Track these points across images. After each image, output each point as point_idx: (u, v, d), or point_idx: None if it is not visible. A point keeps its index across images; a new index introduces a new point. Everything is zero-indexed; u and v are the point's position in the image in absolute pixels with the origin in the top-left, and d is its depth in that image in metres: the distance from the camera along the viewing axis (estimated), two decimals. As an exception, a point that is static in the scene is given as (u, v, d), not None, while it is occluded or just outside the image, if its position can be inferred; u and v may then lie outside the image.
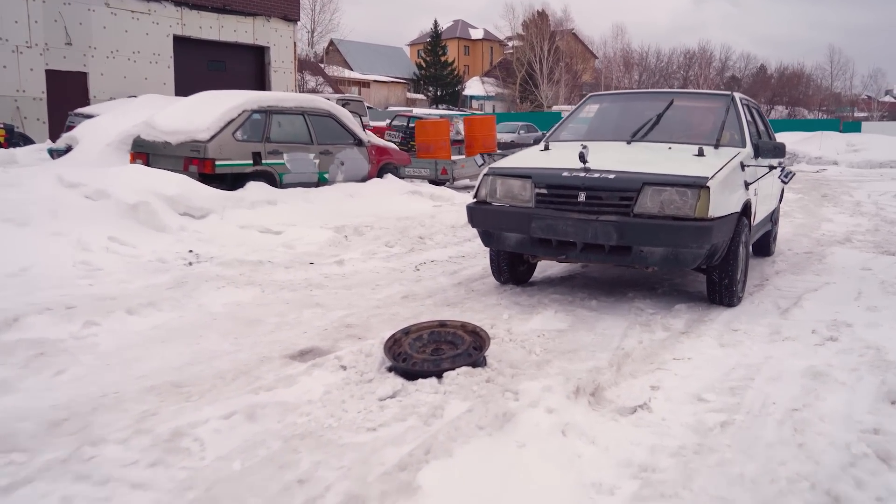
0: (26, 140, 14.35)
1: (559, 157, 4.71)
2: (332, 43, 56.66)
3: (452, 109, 50.72)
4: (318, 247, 6.34)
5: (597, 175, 4.23)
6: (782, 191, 6.47)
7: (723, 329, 3.95)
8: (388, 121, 23.03)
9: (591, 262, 4.68)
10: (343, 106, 23.48)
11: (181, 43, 19.58)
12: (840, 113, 49.58)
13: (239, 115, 8.27)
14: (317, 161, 9.08)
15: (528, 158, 4.95)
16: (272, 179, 8.52)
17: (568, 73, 53.35)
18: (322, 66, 48.51)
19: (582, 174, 4.28)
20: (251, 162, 8.30)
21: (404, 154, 10.85)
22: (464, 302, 4.58)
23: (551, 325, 3.93)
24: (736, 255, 4.39)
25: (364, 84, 55.26)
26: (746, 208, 4.63)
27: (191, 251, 5.93)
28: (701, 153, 4.50)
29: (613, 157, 4.63)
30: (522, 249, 4.57)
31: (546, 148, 5.10)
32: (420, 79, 58.73)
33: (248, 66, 21.58)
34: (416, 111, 33.66)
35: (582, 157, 4.27)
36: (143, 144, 8.59)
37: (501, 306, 4.41)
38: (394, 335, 3.25)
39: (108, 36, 18.07)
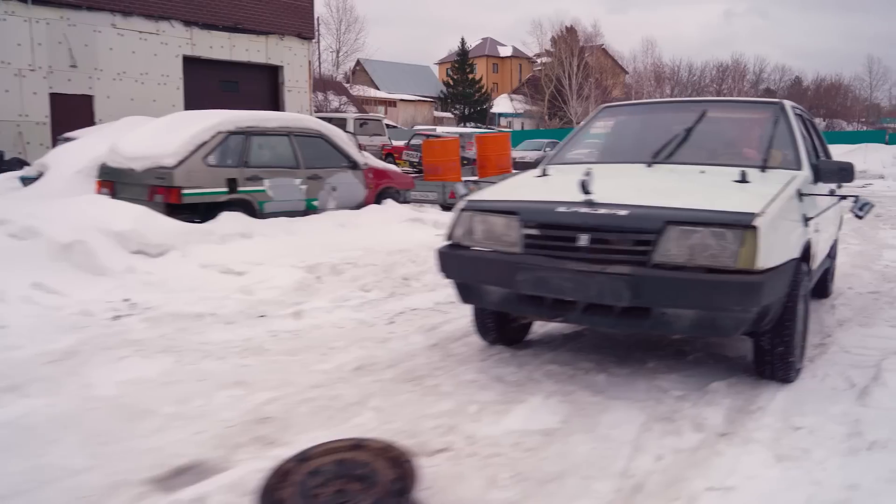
0: (23, 165, 13.72)
1: (558, 185, 3.66)
2: (358, 62, 56.37)
3: (480, 127, 49.86)
4: (280, 292, 5.33)
5: (603, 210, 3.16)
6: (841, 217, 5.30)
7: (780, 427, 2.82)
8: (404, 140, 22.11)
9: (597, 327, 3.60)
10: (361, 125, 23.04)
11: (191, 63, 18.93)
12: (882, 124, 47.55)
13: (212, 137, 7.37)
14: (304, 187, 8.13)
15: (517, 188, 3.89)
16: (251, 209, 7.59)
17: (598, 89, 52.17)
18: (348, 85, 48.08)
19: (583, 209, 3.21)
20: (225, 190, 7.37)
21: (407, 177, 9.85)
22: (432, 376, 3.52)
23: (537, 421, 2.84)
24: (793, 314, 3.27)
25: (390, 103, 54.73)
26: (806, 251, 3.52)
27: (126, 300, 4.96)
28: (744, 179, 3.41)
29: (627, 186, 3.56)
30: (508, 308, 3.51)
31: (544, 173, 4.04)
32: (447, 97, 57.98)
33: (262, 86, 20.88)
34: (440, 130, 32.82)
35: (584, 187, 3.21)
36: (109, 172, 7.73)
37: (477, 385, 3.34)
38: (283, 465, 2.19)
39: (114, 57, 17.46)
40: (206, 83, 19.29)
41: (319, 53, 45.26)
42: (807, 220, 3.41)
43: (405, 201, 9.56)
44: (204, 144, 7.28)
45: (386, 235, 7.86)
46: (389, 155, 21.44)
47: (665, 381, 3.35)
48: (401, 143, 23.97)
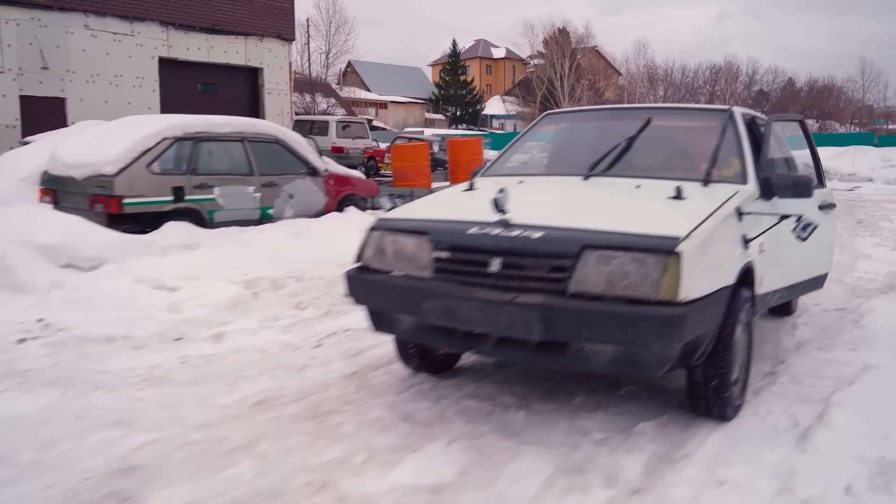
0: (-12, 170, 13.35)
1: (477, 202, 3.33)
2: (349, 64, 56.00)
3: (472, 129, 49.56)
4: (209, 310, 5.00)
5: (517, 232, 2.84)
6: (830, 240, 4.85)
7: (703, 480, 2.50)
8: (387, 144, 21.77)
9: (511, 361, 3.29)
10: (344, 128, 22.69)
11: (168, 65, 18.56)
12: (874, 125, 47.41)
13: (157, 143, 7.03)
14: (258, 195, 7.80)
15: (434, 204, 3.57)
16: (200, 218, 7.26)
17: (590, 90, 51.93)
18: (339, 87, 47.70)
19: (496, 230, 2.89)
20: (171, 199, 7.04)
21: (371, 184, 9.53)
22: (338, 412, 3.20)
23: (430, 474, 2.52)
24: (729, 346, 2.95)
25: (381, 105, 54.45)
26: (747, 275, 3.20)
27: (40, 320, 4.63)
28: (679, 195, 3.09)
29: (551, 203, 3.26)
30: (419, 339, 3.20)
31: (471, 187, 3.71)
32: (439, 99, 57.72)
33: (242, 88, 20.53)
34: (428, 132, 32.47)
35: (497, 205, 2.89)
36: (50, 179, 7.38)
37: (380, 425, 3.01)
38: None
39: (87, 59, 17.09)
40: (184, 85, 18.94)
41: (309, 55, 44.92)
42: (747, 241, 3.08)
43: (372, 208, 9.23)
44: (148, 151, 6.94)
45: (343, 245, 7.44)
46: (372, 158, 21.11)
47: (589, 420, 3.03)
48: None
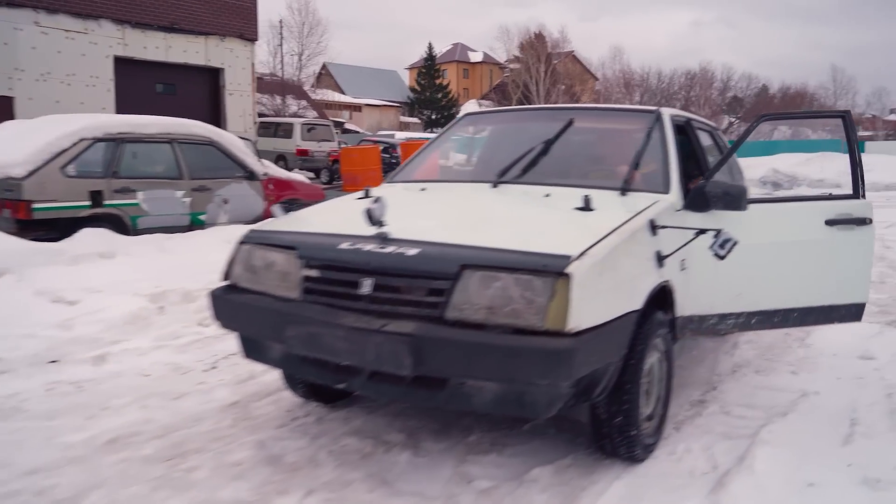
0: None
1: (359, 211, 2.93)
2: (324, 66, 55.43)
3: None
4: (104, 327, 4.55)
5: (390, 249, 2.45)
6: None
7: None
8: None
9: (386, 399, 2.90)
10: (309, 131, 22.22)
11: (124, 64, 17.98)
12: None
13: (73, 144, 6.55)
14: (188, 200, 7.34)
15: (314, 215, 3.17)
16: (121, 224, 6.79)
17: (566, 95, 51.85)
18: (313, 89, 47.12)
19: (368, 246, 2.50)
20: (88, 203, 6.56)
21: (315, 188, 9.11)
22: (200, 452, 2.79)
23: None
24: (636, 379, 2.58)
25: (355, 108, 53.95)
26: (664, 297, 2.83)
27: None
28: (587, 206, 2.72)
29: (440, 214, 2.89)
30: (290, 369, 2.80)
31: (366, 195, 3.32)
32: (414, 102, 57.35)
33: (202, 89, 19.98)
34: (399, 135, 32.05)
35: (371, 216, 2.50)
36: (-40, 182, 6.87)
37: (237, 471, 2.61)
38: None
39: (37, 57, 16.48)
40: (141, 85, 18.37)
41: (282, 57, 44.30)
42: (662, 258, 2.72)
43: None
44: (63, 152, 6.47)
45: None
46: (337, 161, 20.62)
47: (477, 465, 2.64)
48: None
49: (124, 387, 3.58)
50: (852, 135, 3.52)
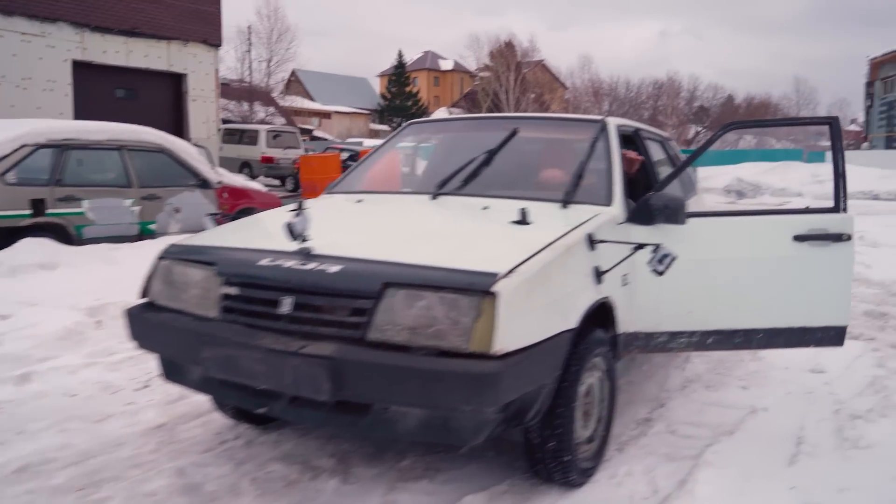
0: None
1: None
2: (294, 73, 55.03)
3: (416, 140, 49.05)
4: (34, 343, 4.33)
5: (311, 265, 2.31)
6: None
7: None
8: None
9: (308, 425, 2.75)
10: (275, 138, 21.98)
11: (82, 69, 17.58)
12: (808, 142, 48.69)
13: (14, 150, 6.30)
14: (136, 208, 7.12)
15: (239, 228, 3.02)
16: (65, 234, 6.55)
17: (536, 103, 52.08)
18: (282, 95, 46.71)
19: (289, 262, 2.36)
20: (29, 212, 6.31)
21: (272, 197, 8.91)
22: (115, 480, 2.63)
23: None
24: (570, 401, 2.47)
25: (325, 115, 53.68)
26: (604, 313, 2.73)
27: None
28: (523, 219, 2.61)
29: (369, 228, 2.75)
30: (211, 392, 2.64)
31: (299, 207, 3.17)
32: (384, 109, 57.21)
33: (164, 95, 19.63)
34: (367, 143, 31.86)
35: (293, 231, 2.36)
36: None
37: (151, 503, 2.44)
38: None
39: (-9, 61, 16.06)
40: (101, 90, 17.99)
41: (250, 63, 43.86)
42: (601, 273, 2.61)
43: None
44: (3, 159, 6.22)
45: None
46: (301, 169, 20.41)
47: (408, 491, 2.51)
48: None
49: (46, 408, 3.39)
50: (838, 143, 3.20)
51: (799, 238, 3.05)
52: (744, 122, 3.52)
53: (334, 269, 2.27)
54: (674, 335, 3.09)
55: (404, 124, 4.14)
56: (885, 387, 3.73)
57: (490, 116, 4.14)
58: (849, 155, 30.99)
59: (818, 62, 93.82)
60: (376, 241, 2.53)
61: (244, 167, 21.76)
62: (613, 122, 3.45)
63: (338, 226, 2.81)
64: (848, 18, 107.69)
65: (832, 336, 3.14)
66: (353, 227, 2.78)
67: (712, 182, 23.74)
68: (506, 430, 2.34)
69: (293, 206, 3.17)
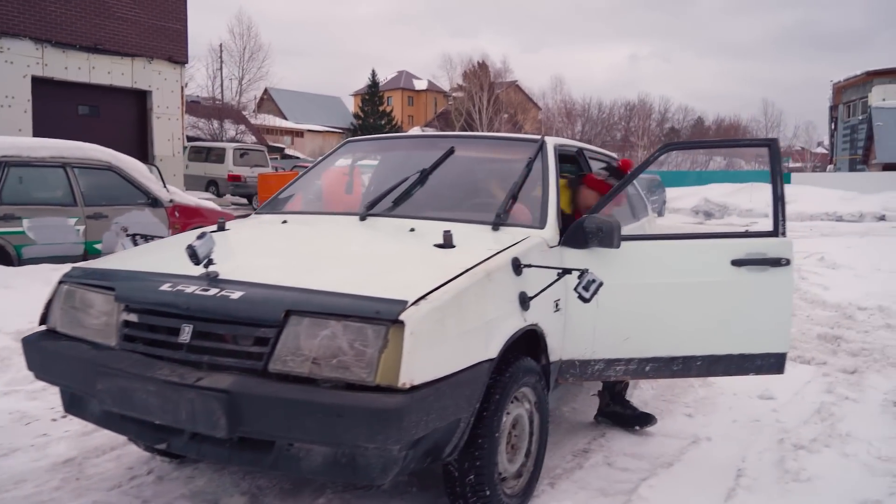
0: None
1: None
2: (266, 91, 54.82)
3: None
4: (-49, 370, 4.11)
5: (213, 291, 2.16)
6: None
7: None
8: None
9: (210, 461, 2.58)
10: (242, 156, 21.75)
11: (43, 85, 17.25)
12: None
13: (-50, 168, 6.07)
14: (81, 228, 6.89)
15: (148, 251, 2.86)
16: (4, 254, 6.31)
17: (509, 123, 52.36)
18: (254, 113, 46.42)
19: (190, 288, 2.20)
20: (-36, 232, 6.07)
21: (225, 216, 8.70)
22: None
23: None
24: (491, 433, 2.33)
25: (298, 133, 53.50)
26: (533, 342, 2.61)
27: None
28: (447, 242, 2.48)
29: (283, 251, 2.60)
30: (111, 427, 2.45)
31: (220, 227, 3.03)
32: (357, 129, 57.12)
33: (128, 112, 19.34)
34: (339, 161, 31.64)
35: (196, 254, 2.20)
36: None
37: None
38: None
39: (-53, 75, 15.71)
40: (62, 107, 17.67)
41: (222, 81, 43.60)
42: (527, 299, 2.49)
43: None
44: (-62, 176, 5.99)
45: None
46: (268, 187, 20.17)
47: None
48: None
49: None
50: (777, 165, 3.12)
51: (737, 262, 2.96)
52: (682, 144, 3.47)
53: (236, 295, 2.13)
54: (610, 363, 2.97)
55: (342, 142, 4.01)
56: (832, 414, 3.64)
57: (429, 135, 4.05)
58: (814, 177, 31.53)
59: (785, 86, 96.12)
60: (286, 265, 2.38)
61: (211, 185, 21.49)
62: (552, 143, 3.34)
63: (251, 249, 2.67)
64: (812, 44, 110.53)
65: (772, 363, 3.04)
66: (266, 251, 2.63)
67: (680, 203, 23.95)
68: (422, 466, 2.19)
69: (212, 228, 3.03)
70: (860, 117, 31.57)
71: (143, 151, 18.64)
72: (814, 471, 2.91)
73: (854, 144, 31.88)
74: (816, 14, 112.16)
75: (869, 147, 28.85)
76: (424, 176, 3.15)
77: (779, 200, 3.05)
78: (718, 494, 2.71)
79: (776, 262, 2.98)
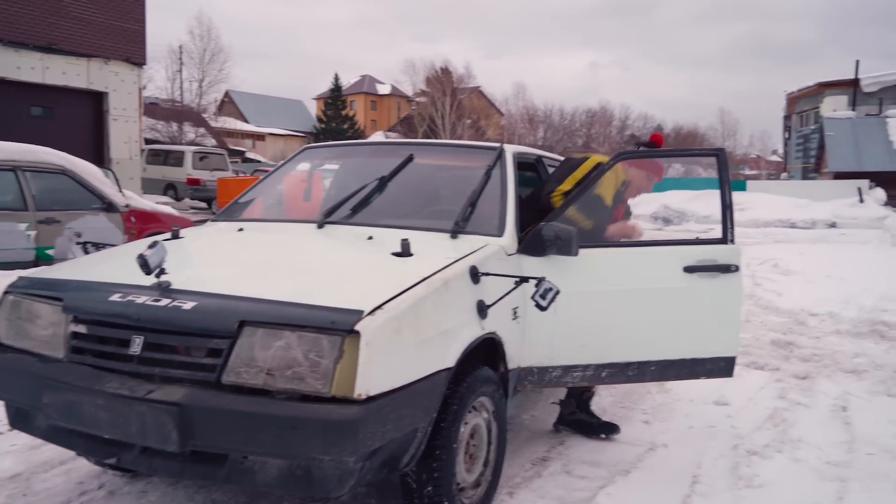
0: None
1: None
2: (227, 94, 54.13)
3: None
4: None
5: (165, 302, 2.12)
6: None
7: None
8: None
9: (162, 475, 2.53)
10: (201, 159, 21.43)
11: (-6, 85, 16.81)
12: (733, 171, 50.66)
13: None
14: (32, 233, 6.71)
15: (97, 260, 2.79)
16: (-53, 260, 6.11)
17: (472, 129, 52.54)
18: (214, 116, 45.78)
19: (142, 297, 2.15)
20: None
21: (185, 221, 8.56)
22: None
23: None
24: (448, 443, 2.32)
25: (259, 137, 52.94)
26: (491, 350, 2.61)
27: None
28: (405, 251, 2.47)
29: (236, 260, 2.56)
30: (59, 442, 2.38)
31: (174, 235, 2.97)
32: (320, 132, 56.76)
33: (84, 113, 18.90)
34: (300, 165, 31.39)
35: (147, 263, 2.15)
36: None
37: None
38: None
39: None
40: (13, 108, 17.17)
41: (181, 83, 42.90)
42: (485, 307, 2.49)
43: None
44: None
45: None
46: (230, 192, 19.91)
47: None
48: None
49: None
50: (725, 175, 3.26)
51: (689, 269, 3.06)
52: (634, 153, 3.48)
53: (188, 305, 2.08)
54: (567, 369, 2.99)
55: (300, 148, 3.98)
56: (784, 420, 3.72)
57: (389, 142, 4.03)
58: (768, 185, 32.20)
59: (741, 95, 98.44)
60: (240, 274, 2.34)
61: (169, 189, 21.13)
62: (511, 150, 3.36)
63: (205, 258, 2.63)
64: (767, 55, 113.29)
65: (722, 367, 3.15)
66: (221, 259, 2.59)
67: (640, 209, 24.27)
68: (379, 477, 2.17)
69: (166, 235, 2.97)
70: (812, 127, 32.34)
71: (98, 154, 18.25)
72: (766, 476, 2.96)
73: (807, 153, 32.64)
74: (769, 27, 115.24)
75: (821, 156, 29.58)
76: (383, 183, 3.14)
77: (727, 208, 3.15)
78: (674, 502, 2.74)
79: (726, 269, 3.09)
